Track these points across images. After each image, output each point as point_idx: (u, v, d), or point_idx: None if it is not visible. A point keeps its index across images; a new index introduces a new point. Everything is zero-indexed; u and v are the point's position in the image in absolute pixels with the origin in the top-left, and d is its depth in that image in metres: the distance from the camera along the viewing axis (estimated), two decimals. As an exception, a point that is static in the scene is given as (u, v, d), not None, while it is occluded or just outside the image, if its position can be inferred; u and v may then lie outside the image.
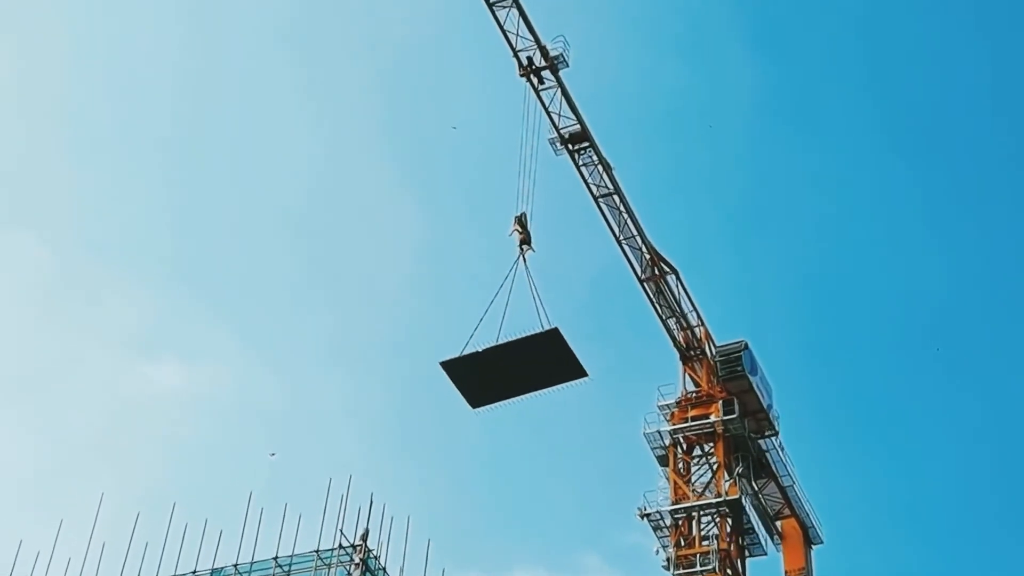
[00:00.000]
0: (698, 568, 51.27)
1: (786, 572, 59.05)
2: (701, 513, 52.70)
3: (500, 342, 42.60)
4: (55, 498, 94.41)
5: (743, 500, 52.94)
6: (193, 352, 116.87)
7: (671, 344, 55.64)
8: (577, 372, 43.61)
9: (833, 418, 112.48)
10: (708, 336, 56.13)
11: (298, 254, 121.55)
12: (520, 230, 46.00)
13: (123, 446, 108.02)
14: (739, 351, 54.61)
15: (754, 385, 54.41)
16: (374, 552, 42.11)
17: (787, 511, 59.28)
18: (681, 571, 51.44)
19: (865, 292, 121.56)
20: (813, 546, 60.02)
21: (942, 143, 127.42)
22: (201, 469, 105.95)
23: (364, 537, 41.86)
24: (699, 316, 55.99)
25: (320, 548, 41.66)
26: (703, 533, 52.44)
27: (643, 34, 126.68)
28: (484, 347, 42.84)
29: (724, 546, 51.68)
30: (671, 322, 55.42)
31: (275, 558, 41.92)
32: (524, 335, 42.46)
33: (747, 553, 53.30)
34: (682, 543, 52.27)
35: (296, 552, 41.99)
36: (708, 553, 51.48)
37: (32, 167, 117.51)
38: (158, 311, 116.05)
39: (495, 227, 49.48)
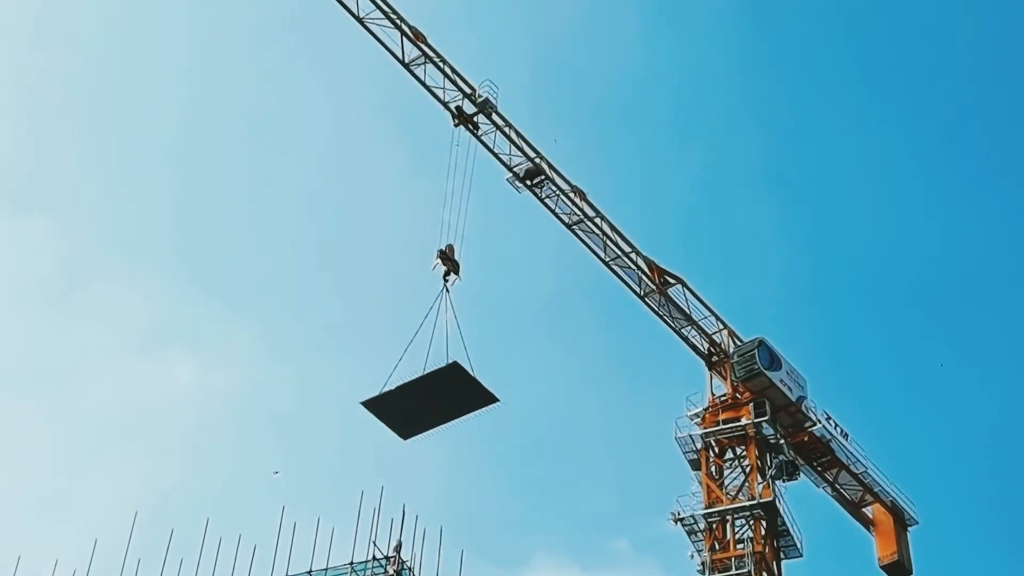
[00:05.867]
0: (733, 572, 51.08)
1: (878, 559, 58.93)
2: (735, 516, 52.63)
3: (409, 379, 43.67)
4: (78, 508, 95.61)
5: (777, 502, 52.63)
6: (205, 347, 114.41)
7: (693, 352, 55.85)
8: (488, 399, 44.35)
9: (885, 397, 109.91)
10: (733, 336, 56.04)
11: (310, 245, 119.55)
12: (443, 263, 46.51)
13: (141, 450, 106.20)
14: (752, 349, 54.30)
15: (775, 381, 54.07)
16: (408, 563, 42.50)
17: (869, 497, 59.09)
18: (717, 575, 51.50)
19: (879, 264, 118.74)
20: (909, 528, 59.60)
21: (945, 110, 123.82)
22: (224, 474, 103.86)
23: (397, 548, 42.38)
24: (719, 320, 56.03)
25: (354, 560, 42.32)
26: (737, 536, 52.43)
27: (626, 14, 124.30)
28: (396, 385, 43.91)
29: (759, 549, 51.56)
30: (686, 331, 55.60)
31: (309, 572, 42.64)
32: (428, 371, 43.48)
33: (782, 555, 52.83)
34: (716, 547, 52.18)
35: (330, 565, 42.60)
36: (743, 556, 51.37)
37: (40, 154, 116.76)
38: (167, 303, 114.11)
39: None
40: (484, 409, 44.60)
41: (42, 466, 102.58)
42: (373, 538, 42.14)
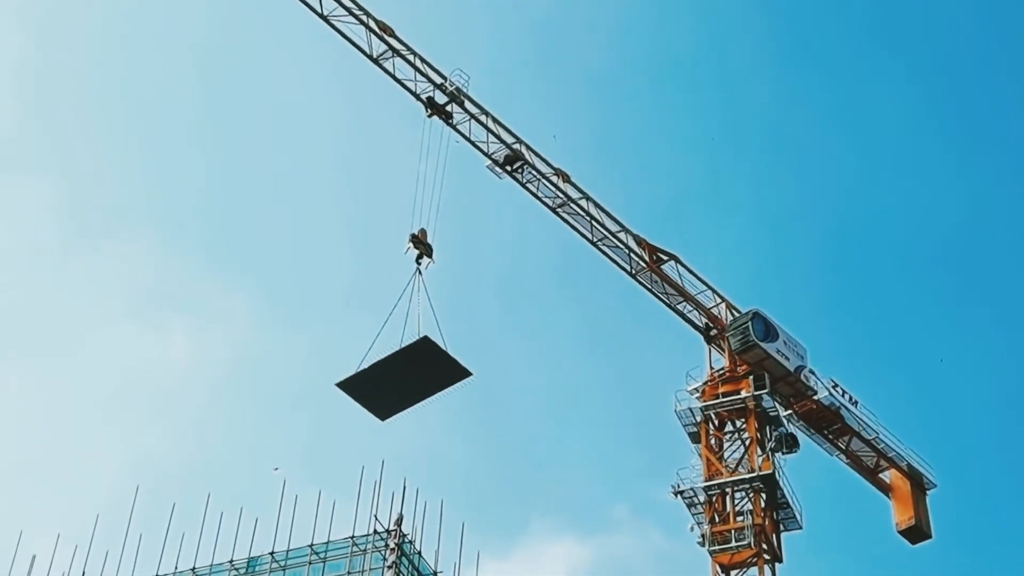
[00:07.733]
0: (733, 544, 51.47)
1: (896, 524, 58.64)
2: (735, 489, 52.84)
3: (382, 356, 44.13)
4: (79, 482, 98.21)
5: (776, 475, 52.72)
6: (203, 315, 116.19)
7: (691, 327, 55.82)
8: (462, 373, 44.81)
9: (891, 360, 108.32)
10: (731, 309, 55.88)
11: (311, 217, 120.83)
12: (415, 246, 47.22)
13: (141, 423, 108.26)
14: (746, 321, 54.20)
15: (772, 352, 53.93)
16: (409, 537, 43.61)
17: (884, 462, 58.84)
18: (716, 547, 51.64)
19: (891, 227, 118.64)
20: (928, 492, 59.22)
21: (955, 69, 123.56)
22: (225, 448, 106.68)
23: (398, 522, 43.41)
24: (716, 293, 55.97)
25: (355, 535, 43.43)
26: (737, 509, 52.67)
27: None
28: (369, 364, 44.41)
29: (759, 521, 51.78)
30: (682, 307, 55.60)
31: (311, 545, 43.80)
32: (399, 347, 43.90)
33: (782, 528, 53.09)
34: (716, 519, 52.45)
35: (331, 539, 43.83)
36: (743, 529, 51.63)
37: (46, 118, 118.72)
38: (166, 269, 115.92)
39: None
40: (459, 384, 45.26)
41: (42, 439, 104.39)
42: (374, 512, 43.07)
